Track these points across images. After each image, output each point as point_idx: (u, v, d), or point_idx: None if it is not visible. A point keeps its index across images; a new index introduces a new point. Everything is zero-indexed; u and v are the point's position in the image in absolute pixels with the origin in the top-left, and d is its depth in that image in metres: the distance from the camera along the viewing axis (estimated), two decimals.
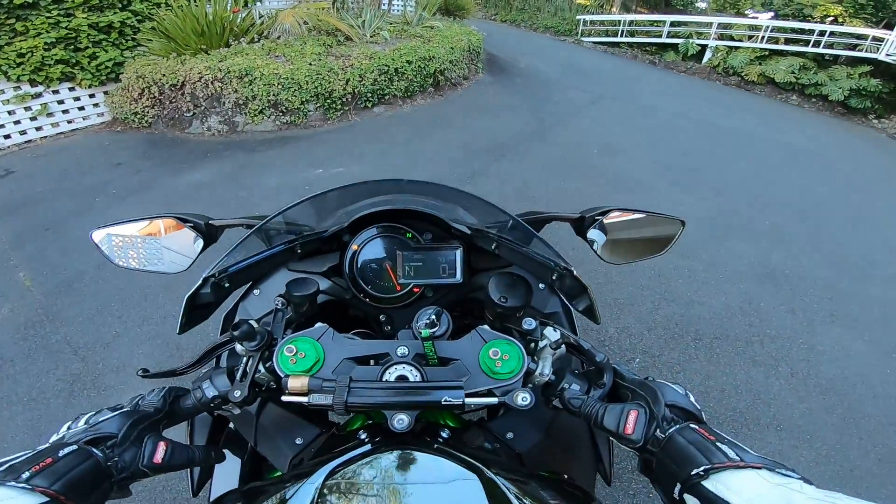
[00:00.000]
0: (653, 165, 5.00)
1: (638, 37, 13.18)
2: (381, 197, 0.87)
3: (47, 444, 0.48)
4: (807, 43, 10.96)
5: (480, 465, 0.49)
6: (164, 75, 4.63)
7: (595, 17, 14.14)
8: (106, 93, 5.10)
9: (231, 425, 0.78)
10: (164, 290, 2.62)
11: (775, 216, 4.23)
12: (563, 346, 0.61)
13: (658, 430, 0.50)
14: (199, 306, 0.70)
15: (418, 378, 0.56)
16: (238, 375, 0.60)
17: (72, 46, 4.71)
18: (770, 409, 2.26)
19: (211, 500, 0.70)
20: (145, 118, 4.88)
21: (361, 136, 5.03)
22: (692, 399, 0.55)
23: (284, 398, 0.55)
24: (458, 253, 0.80)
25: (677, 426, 0.49)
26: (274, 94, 4.81)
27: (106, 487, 0.47)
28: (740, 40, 11.73)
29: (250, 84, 4.70)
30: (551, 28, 15.04)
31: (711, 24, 12.11)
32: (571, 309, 0.80)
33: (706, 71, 11.91)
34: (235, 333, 0.57)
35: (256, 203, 3.60)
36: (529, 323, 0.62)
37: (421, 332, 0.57)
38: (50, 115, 4.80)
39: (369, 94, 5.48)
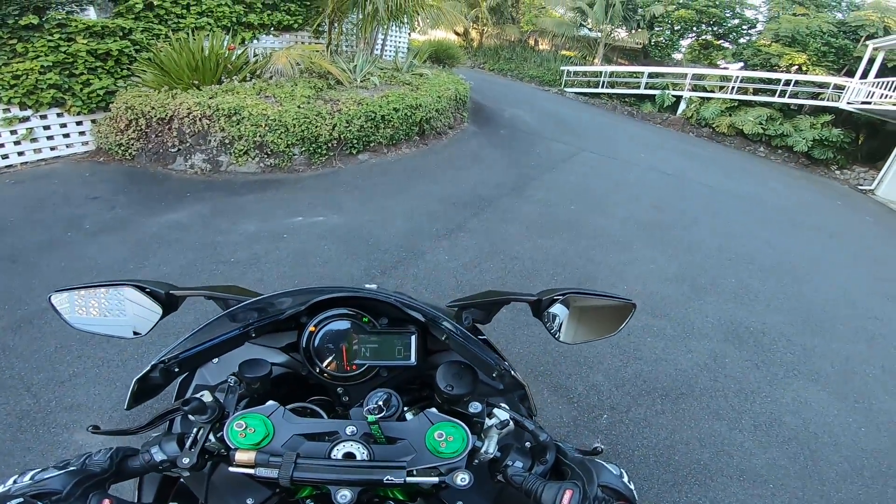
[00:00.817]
0: (628, 222, 5.17)
1: (618, 88, 13.91)
2: (340, 285, 0.91)
3: None
4: (773, 93, 11.51)
5: None
6: (153, 108, 4.67)
7: (578, 69, 14.94)
8: (94, 121, 5.08)
9: (182, 480, 0.78)
10: None
11: (741, 273, 4.39)
12: (512, 422, 0.66)
13: None
14: (148, 387, 0.72)
15: (365, 455, 0.59)
16: (188, 443, 0.61)
17: (67, 72, 4.72)
18: (733, 460, 2.30)
19: None
20: (129, 150, 4.87)
21: (344, 184, 5.06)
22: (625, 480, 0.60)
23: (231, 469, 0.57)
24: (414, 338, 0.84)
25: None
26: (260, 136, 4.86)
27: None
28: (712, 91, 12.37)
29: (238, 123, 4.76)
30: (536, 78, 15.85)
31: (686, 74, 12.78)
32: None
33: (680, 122, 12.58)
34: (185, 409, 0.60)
35: (231, 251, 3.53)
36: (476, 407, 0.67)
37: (367, 416, 0.60)
38: (34, 140, 4.75)
39: (355, 141, 5.54)
